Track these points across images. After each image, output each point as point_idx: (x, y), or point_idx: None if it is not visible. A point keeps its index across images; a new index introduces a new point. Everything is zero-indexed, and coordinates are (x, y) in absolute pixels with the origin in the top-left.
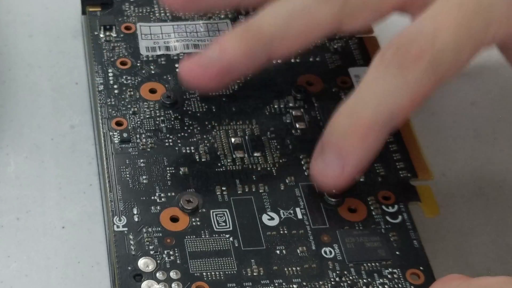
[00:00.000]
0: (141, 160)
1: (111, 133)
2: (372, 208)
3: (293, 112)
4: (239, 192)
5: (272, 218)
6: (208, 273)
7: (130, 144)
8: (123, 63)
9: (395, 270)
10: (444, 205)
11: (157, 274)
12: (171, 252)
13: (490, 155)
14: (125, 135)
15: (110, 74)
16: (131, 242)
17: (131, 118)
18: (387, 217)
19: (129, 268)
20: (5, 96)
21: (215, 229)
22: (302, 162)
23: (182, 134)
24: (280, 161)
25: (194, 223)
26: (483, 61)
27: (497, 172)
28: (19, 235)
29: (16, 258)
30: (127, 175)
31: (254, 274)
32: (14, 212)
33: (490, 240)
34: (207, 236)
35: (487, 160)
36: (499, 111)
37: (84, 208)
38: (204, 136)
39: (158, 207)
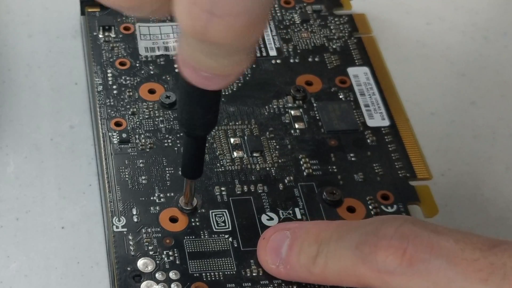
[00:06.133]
0: (140, 161)
1: (110, 134)
2: (371, 208)
3: (292, 112)
4: (238, 192)
5: (271, 218)
6: (208, 274)
7: (129, 144)
8: (122, 64)
9: None
10: (443, 205)
11: (157, 275)
12: (170, 253)
13: (490, 155)
14: (124, 135)
15: (109, 75)
16: (130, 242)
17: (130, 118)
18: None
19: (129, 268)
20: (5, 96)
21: (214, 230)
22: (301, 162)
23: (181, 134)
24: (279, 161)
25: (193, 224)
26: (483, 61)
27: (497, 172)
28: (18, 235)
29: (16, 258)
30: (126, 176)
31: (254, 274)
32: (14, 212)
33: None
34: (206, 236)
35: (487, 160)
36: (498, 111)
37: (83, 209)
38: None
39: (158, 208)
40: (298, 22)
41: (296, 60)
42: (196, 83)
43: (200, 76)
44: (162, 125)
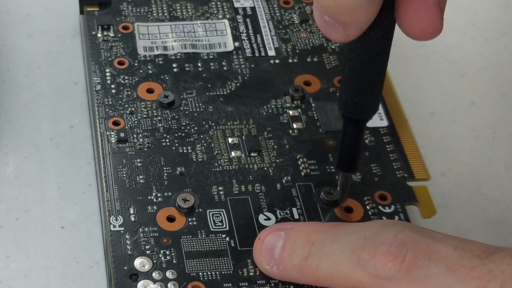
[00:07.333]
0: (138, 160)
1: (108, 133)
2: (368, 208)
3: (290, 112)
4: (235, 192)
5: (268, 218)
6: (204, 273)
7: (127, 143)
8: (120, 63)
9: None
10: (443, 205)
11: (153, 274)
12: (167, 252)
13: (489, 155)
14: (122, 134)
15: (108, 74)
16: (128, 241)
17: (128, 118)
18: (384, 218)
19: (125, 267)
20: (5, 96)
21: (212, 229)
22: (299, 162)
23: (179, 134)
24: (277, 161)
25: (190, 223)
26: (483, 61)
27: (496, 172)
28: (18, 235)
29: (16, 258)
30: (124, 175)
31: (250, 274)
32: (14, 212)
33: (489, 241)
34: (203, 236)
35: (486, 160)
36: (498, 111)
37: (83, 208)
38: (201, 136)
39: (155, 207)
40: (297, 22)
41: (295, 60)
42: (321, 29)
43: (323, 20)
44: (160, 125)
